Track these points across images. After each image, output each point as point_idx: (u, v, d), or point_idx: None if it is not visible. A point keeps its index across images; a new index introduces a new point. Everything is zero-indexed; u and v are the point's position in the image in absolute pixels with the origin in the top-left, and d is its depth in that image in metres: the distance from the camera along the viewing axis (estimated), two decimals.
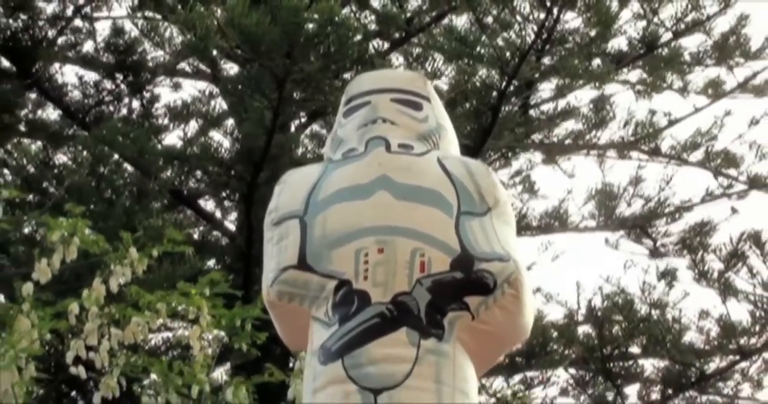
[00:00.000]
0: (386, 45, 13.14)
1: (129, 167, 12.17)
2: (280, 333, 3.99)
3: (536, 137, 13.16)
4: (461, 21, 12.34)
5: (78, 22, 13.86)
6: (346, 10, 12.33)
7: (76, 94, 13.45)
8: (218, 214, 13.20)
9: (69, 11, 13.76)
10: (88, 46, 13.74)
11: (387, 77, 4.52)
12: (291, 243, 3.80)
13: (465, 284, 3.67)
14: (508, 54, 11.35)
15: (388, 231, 3.72)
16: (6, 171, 12.58)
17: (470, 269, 3.68)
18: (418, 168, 3.91)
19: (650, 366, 11.97)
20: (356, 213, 3.78)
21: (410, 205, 3.78)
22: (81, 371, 6.96)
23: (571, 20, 11.73)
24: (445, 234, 3.73)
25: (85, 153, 12.26)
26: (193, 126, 13.36)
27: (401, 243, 3.69)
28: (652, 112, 13.36)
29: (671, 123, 13.42)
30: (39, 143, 13.03)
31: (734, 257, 11.22)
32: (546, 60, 11.70)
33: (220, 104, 13.25)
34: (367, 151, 3.96)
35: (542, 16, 11.14)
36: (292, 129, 12.82)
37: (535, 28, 11.23)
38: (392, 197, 3.79)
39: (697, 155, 13.32)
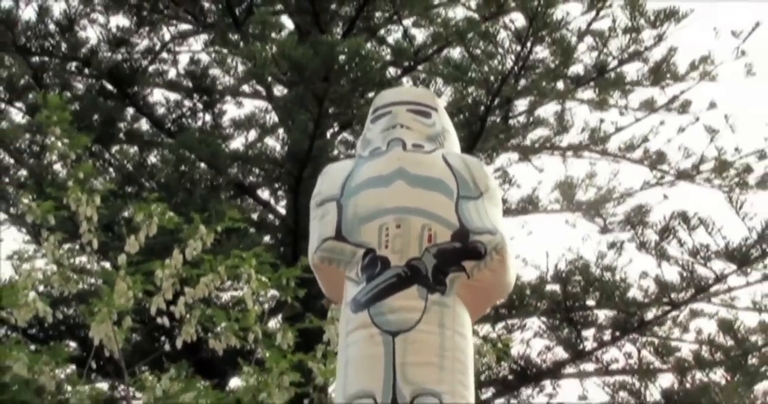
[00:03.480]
0: (399, 71, 13.07)
1: (204, 166, 12.11)
2: (323, 288, 4.04)
3: (514, 141, 13.12)
4: (456, 53, 12.28)
5: (164, 55, 13.85)
6: (368, 45, 12.26)
7: (163, 110, 13.44)
8: (272, 201, 13.15)
9: (158, 47, 13.75)
10: (172, 73, 13.75)
11: (404, 93, 4.66)
12: (330, 220, 3.86)
13: (462, 251, 3.73)
14: (492, 78, 11.28)
15: (404, 211, 3.77)
16: (110, 169, 12.53)
17: (467, 240, 3.73)
18: (427, 162, 3.94)
19: (603, 315, 11.90)
20: (380, 197, 3.83)
21: (421, 191, 3.82)
22: (165, 321, 6.96)
23: (540, 52, 11.66)
24: (447, 213, 3.78)
25: (170, 155, 12.22)
26: (252, 134, 13.36)
27: (414, 221, 3.74)
28: (602, 122, 13.32)
29: (617, 130, 13.39)
30: (135, 148, 12.98)
31: (666, 231, 11.12)
32: (521, 82, 11.61)
33: (273, 117, 13.23)
34: (388, 149, 4.00)
35: (518, 48, 11.06)
36: (328, 136, 12.77)
37: (513, 57, 11.15)
38: (407, 185, 3.84)
39: (637, 154, 13.29)
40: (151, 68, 13.52)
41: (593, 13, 11.75)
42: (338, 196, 3.90)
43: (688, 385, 11.26)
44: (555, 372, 12.14)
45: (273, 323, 10.20)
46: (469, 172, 3.92)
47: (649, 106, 13.18)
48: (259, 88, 13.28)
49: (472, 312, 3.79)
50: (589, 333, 12.00)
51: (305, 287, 7.18)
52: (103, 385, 10.65)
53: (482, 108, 11.48)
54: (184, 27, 14.05)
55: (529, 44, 11.05)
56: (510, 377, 12.11)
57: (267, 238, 12.43)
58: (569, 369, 12.18)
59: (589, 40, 11.98)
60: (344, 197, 3.89)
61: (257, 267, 7.11)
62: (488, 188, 3.93)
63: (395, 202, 3.79)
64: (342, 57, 10.73)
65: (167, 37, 13.90)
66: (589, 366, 12.09)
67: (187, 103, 13.46)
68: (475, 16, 12.06)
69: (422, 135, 4.07)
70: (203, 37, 13.87)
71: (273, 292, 7.87)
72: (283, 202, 13.06)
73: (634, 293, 11.64)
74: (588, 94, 12.93)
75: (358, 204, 3.83)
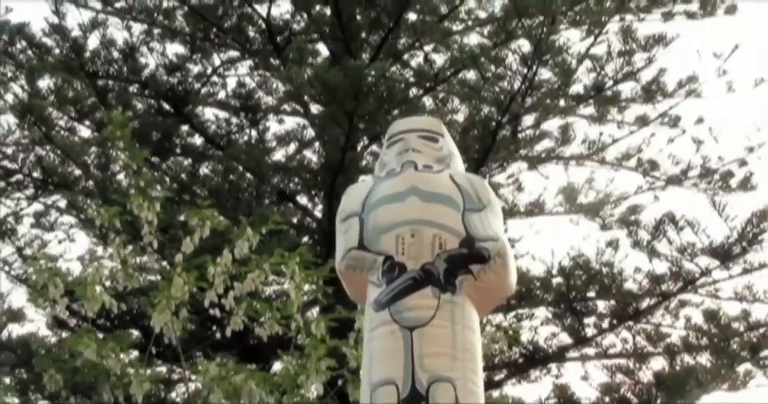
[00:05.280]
0: (420, 91, 13.09)
1: (249, 175, 12.17)
2: (348, 292, 4.16)
3: (522, 152, 13.09)
4: (470, 75, 12.29)
5: (215, 78, 13.90)
6: (393, 68, 12.30)
7: (213, 127, 13.48)
8: (310, 207, 13.18)
9: (209, 71, 13.82)
10: (221, 94, 13.79)
11: (415, 122, 4.64)
12: (353, 233, 3.96)
13: (470, 256, 3.83)
14: (502, 97, 11.30)
15: (417, 223, 3.87)
16: (167, 179, 12.60)
17: (473, 246, 3.84)
18: (436, 181, 4.04)
19: (602, 305, 11.87)
20: (396, 211, 3.92)
21: (432, 205, 3.92)
22: (216, 312, 7.03)
23: (544, 73, 11.68)
24: (455, 224, 3.88)
25: (220, 166, 12.28)
26: (292, 147, 13.41)
27: (426, 231, 3.84)
28: (601, 134, 13.30)
29: (614, 141, 13.33)
30: (189, 160, 13.06)
31: (657, 230, 11.09)
32: (528, 100, 11.62)
33: (310, 132, 13.27)
34: (402, 170, 4.10)
35: (525, 71, 11.08)
36: (359, 148, 12.80)
37: (520, 79, 11.16)
38: (420, 200, 3.93)
39: (632, 162, 13.25)
40: (203, 90, 13.55)
41: (591, 39, 11.75)
42: (359, 212, 4.00)
43: (677, 367, 11.25)
44: (560, 356, 12.13)
45: (310, 314, 10.29)
46: (473, 188, 4.02)
47: (642, 120, 13.15)
48: (298, 106, 13.34)
49: (479, 309, 3.89)
50: (590, 321, 11.98)
51: (337, 283, 7.21)
52: (162, 369, 10.77)
53: (494, 123, 11.49)
54: (232, 54, 14.10)
55: (534, 67, 11.06)
56: (520, 360, 12.11)
57: (305, 239, 12.47)
58: (572, 353, 12.17)
59: (587, 62, 11.98)
60: (365, 212, 3.99)
61: (300, 264, 7.17)
62: (490, 202, 4.02)
63: (409, 215, 3.88)
64: (369, 79, 10.76)
65: (217, 62, 13.95)
66: (590, 351, 12.07)
67: (235, 120, 13.50)
68: (487, 42, 12.07)
69: (431, 157, 4.16)
70: (249, 62, 13.92)
71: (311, 286, 7.91)
72: (319, 207, 13.08)
73: (629, 285, 11.62)
74: (588, 110, 12.90)
75: (377, 217, 3.93)
